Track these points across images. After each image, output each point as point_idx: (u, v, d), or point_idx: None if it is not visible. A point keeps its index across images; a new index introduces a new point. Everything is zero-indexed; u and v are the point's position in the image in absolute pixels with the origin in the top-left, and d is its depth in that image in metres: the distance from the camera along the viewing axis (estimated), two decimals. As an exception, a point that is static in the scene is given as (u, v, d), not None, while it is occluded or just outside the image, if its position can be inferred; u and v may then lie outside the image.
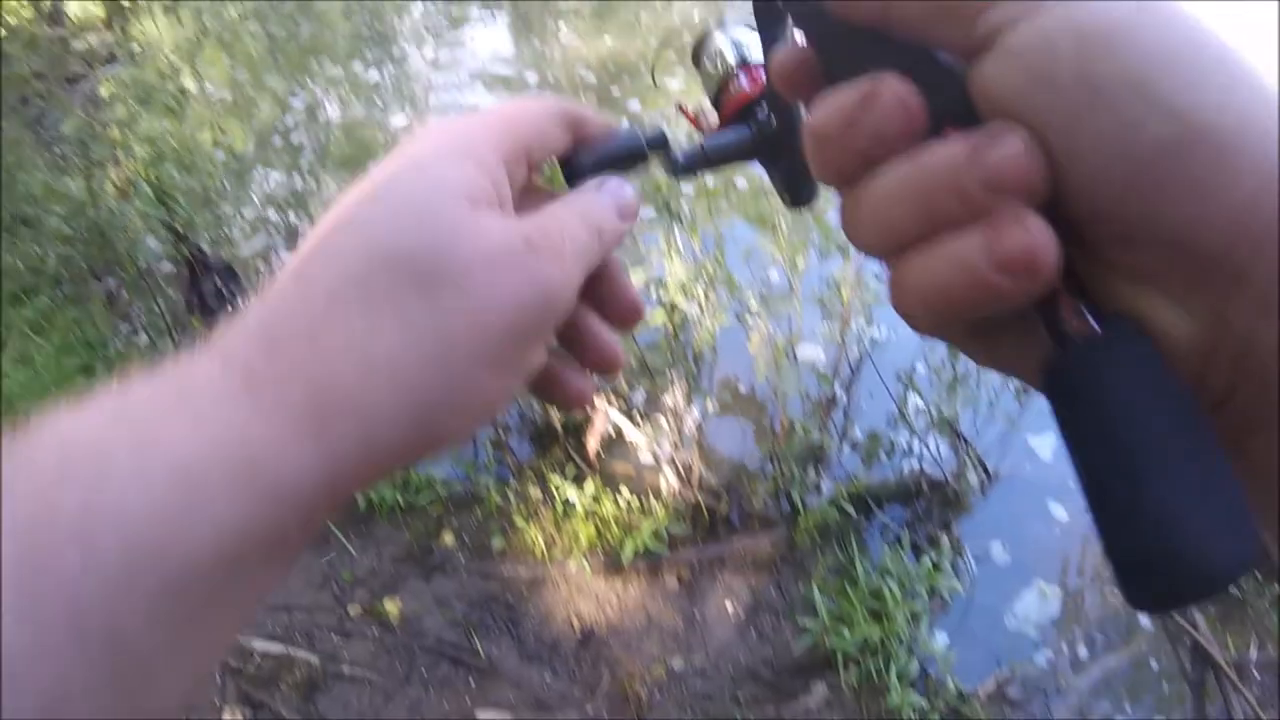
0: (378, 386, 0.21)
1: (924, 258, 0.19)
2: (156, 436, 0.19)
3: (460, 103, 6.00)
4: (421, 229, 0.23)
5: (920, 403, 2.27)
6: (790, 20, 0.27)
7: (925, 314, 0.20)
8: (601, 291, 0.28)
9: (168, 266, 3.39)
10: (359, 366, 0.21)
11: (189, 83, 4.43)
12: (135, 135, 3.22)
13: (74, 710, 0.17)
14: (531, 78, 6.36)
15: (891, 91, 0.19)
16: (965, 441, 2.34)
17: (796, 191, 0.37)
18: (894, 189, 0.19)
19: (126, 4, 9.54)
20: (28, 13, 4.95)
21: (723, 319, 2.15)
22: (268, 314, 0.22)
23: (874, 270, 2.22)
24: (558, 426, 2.30)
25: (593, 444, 2.26)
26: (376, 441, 0.21)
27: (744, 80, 0.37)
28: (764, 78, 0.36)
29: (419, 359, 0.21)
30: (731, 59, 0.38)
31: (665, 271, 2.07)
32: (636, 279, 2.10)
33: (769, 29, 0.31)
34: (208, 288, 3.05)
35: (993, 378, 2.21)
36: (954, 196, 0.18)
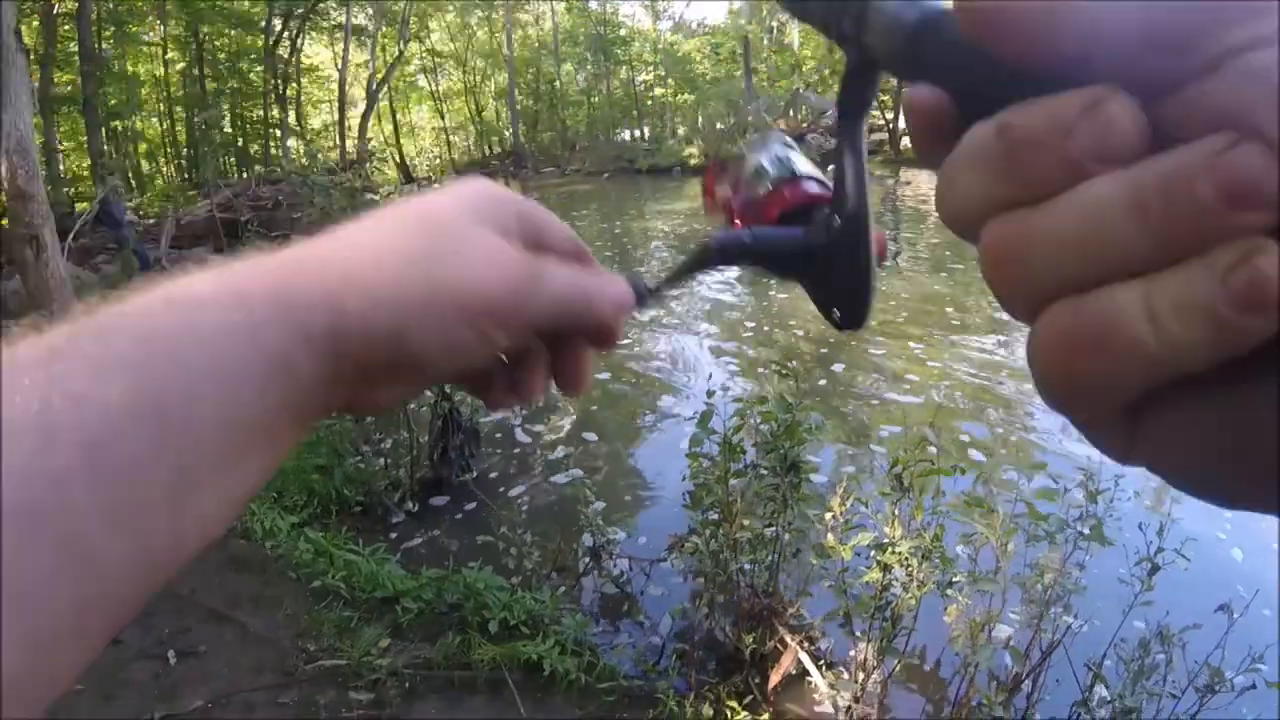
0: (373, 268, 0.27)
1: (1116, 296, 0.16)
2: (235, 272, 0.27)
3: (671, 354, 6.57)
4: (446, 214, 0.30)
5: (1105, 694, 2.17)
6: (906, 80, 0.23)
7: (1092, 372, 0.17)
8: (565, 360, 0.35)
9: (424, 413, 3.85)
10: (361, 255, 0.28)
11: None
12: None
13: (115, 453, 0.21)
14: (749, 329, 6.95)
15: (1120, 104, 0.17)
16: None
17: (852, 308, 0.33)
18: (1103, 206, 0.16)
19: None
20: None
21: (928, 587, 2.21)
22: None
23: (1078, 560, 2.24)
24: (745, 653, 2.36)
25: (775, 679, 2.29)
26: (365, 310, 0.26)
27: (798, 188, 0.38)
28: (814, 189, 0.38)
29: (405, 262, 0.28)
30: (774, 170, 0.39)
31: (885, 536, 2.20)
32: (864, 540, 2.25)
33: (853, 101, 0.29)
34: (453, 442, 3.45)
35: (1192, 659, 2.10)
36: (1183, 212, 0.15)
